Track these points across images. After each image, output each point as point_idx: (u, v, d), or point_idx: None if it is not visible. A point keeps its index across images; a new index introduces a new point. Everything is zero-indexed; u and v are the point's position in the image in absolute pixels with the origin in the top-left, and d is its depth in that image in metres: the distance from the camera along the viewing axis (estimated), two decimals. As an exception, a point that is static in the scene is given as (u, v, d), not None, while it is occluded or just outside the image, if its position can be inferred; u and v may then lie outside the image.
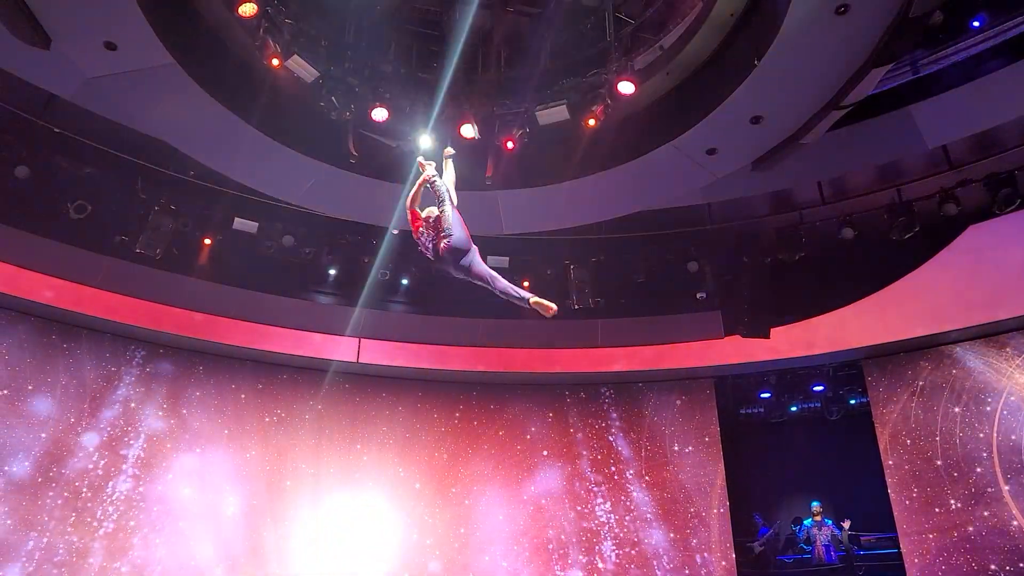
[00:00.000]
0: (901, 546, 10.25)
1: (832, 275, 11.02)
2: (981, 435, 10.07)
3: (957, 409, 10.34)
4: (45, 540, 9.60)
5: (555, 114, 8.74)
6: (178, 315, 10.84)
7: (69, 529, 9.80)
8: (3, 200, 9.65)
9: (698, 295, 11.70)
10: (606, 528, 11.54)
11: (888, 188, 10.39)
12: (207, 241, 11.02)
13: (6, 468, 9.64)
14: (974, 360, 10.38)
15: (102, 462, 10.28)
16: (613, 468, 11.90)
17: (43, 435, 9.99)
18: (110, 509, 10.14)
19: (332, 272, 11.78)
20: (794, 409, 12.32)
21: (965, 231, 10.06)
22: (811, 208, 10.94)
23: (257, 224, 10.96)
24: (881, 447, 10.74)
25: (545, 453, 12.08)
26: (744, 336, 11.32)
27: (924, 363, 10.74)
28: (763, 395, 12.36)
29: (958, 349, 10.53)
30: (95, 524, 9.98)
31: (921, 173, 10.14)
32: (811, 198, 10.92)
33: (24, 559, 9.43)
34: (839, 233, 10.55)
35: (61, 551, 9.66)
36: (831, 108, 8.11)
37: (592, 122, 8.57)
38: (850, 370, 11.59)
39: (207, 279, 11.02)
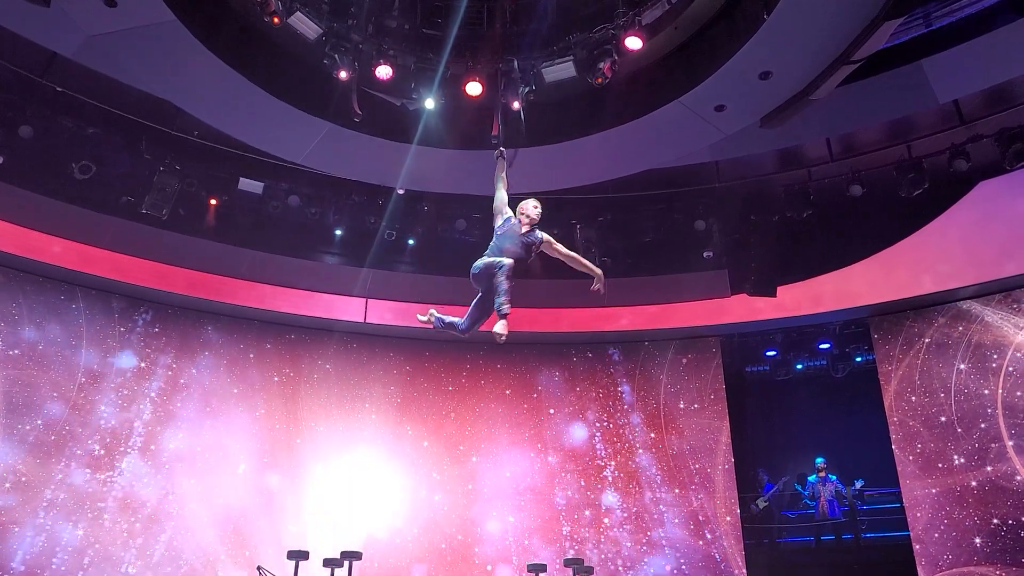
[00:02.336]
0: (904, 501, 10.36)
1: (840, 233, 10.98)
2: (986, 391, 10.10)
3: (963, 366, 10.37)
4: (61, 496, 9.78)
5: (561, 71, 8.63)
6: (186, 275, 10.91)
7: (83, 485, 9.98)
8: (8, 160, 9.64)
9: (705, 254, 11.68)
10: (612, 484, 11.67)
11: (898, 144, 10.28)
12: (213, 201, 11.02)
13: (19, 427, 9.78)
14: (982, 316, 10.38)
15: (113, 421, 10.42)
16: (619, 426, 12.00)
17: (55, 394, 10.12)
18: (123, 466, 10.31)
19: (338, 232, 11.77)
20: (800, 367, 12.36)
21: (975, 187, 10.00)
22: (820, 165, 10.84)
23: (263, 184, 10.94)
24: (886, 404, 10.79)
25: (551, 411, 12.18)
26: (751, 294, 11.32)
27: (931, 320, 10.75)
28: (769, 353, 12.39)
29: (966, 306, 10.52)
30: (108, 481, 10.16)
31: (932, 129, 10.02)
32: (820, 155, 10.81)
33: (40, 514, 9.62)
34: (847, 190, 10.46)
35: (76, 507, 9.84)
36: (841, 63, 7.98)
37: (599, 80, 8.46)
38: (856, 328, 11.60)
39: (214, 239, 11.05)
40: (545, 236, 6.28)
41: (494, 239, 6.13)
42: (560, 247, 6.35)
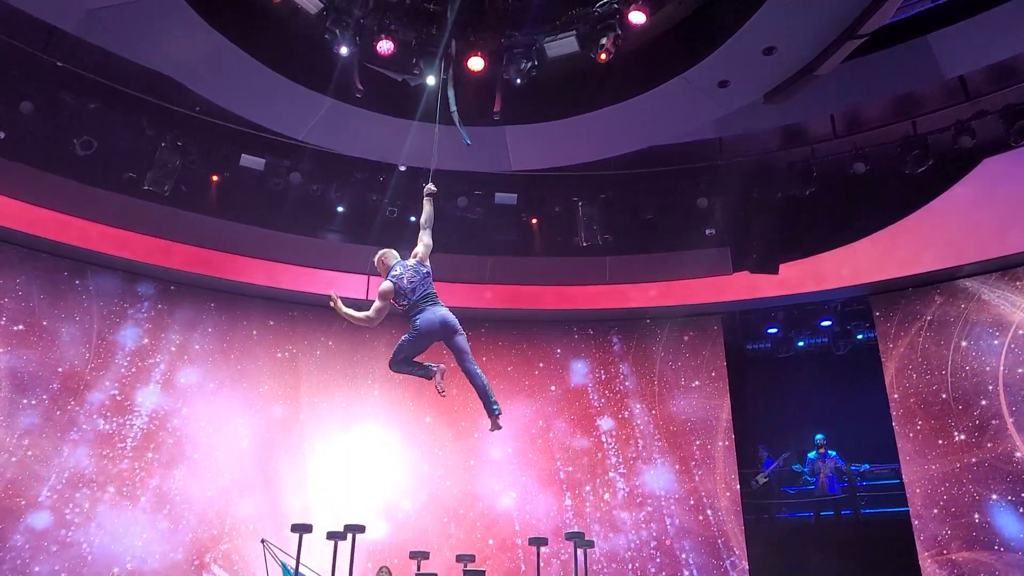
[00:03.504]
0: (903, 477, 10.42)
1: (843, 210, 10.96)
2: (988, 368, 10.13)
3: (965, 343, 10.39)
4: (66, 474, 9.86)
5: (564, 45, 8.56)
6: (188, 251, 10.92)
7: (88, 461, 10.05)
8: (10, 136, 9.63)
9: (707, 231, 11.65)
10: (613, 461, 11.74)
11: (902, 121, 10.23)
12: (215, 178, 11.00)
13: (24, 402, 9.84)
14: (985, 294, 10.38)
15: (117, 396, 10.48)
16: (620, 402, 12.05)
17: (59, 370, 10.17)
18: (127, 441, 10.37)
19: (340, 209, 11.74)
20: (801, 344, 12.39)
21: (979, 164, 9.96)
22: (823, 142, 10.80)
23: (264, 161, 10.90)
24: (887, 381, 10.83)
25: (553, 388, 12.23)
26: (753, 272, 11.32)
27: (934, 297, 10.76)
28: (770, 331, 12.41)
29: (969, 283, 10.52)
30: (113, 456, 10.23)
31: (937, 105, 9.97)
32: (823, 132, 10.78)
33: (47, 490, 9.69)
34: (851, 167, 10.43)
35: (81, 482, 9.92)
36: (847, 38, 7.92)
37: (602, 55, 8.41)
38: (858, 305, 11.62)
39: (216, 216, 11.04)
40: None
41: (429, 287, 5.99)
42: None
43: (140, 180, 10.36)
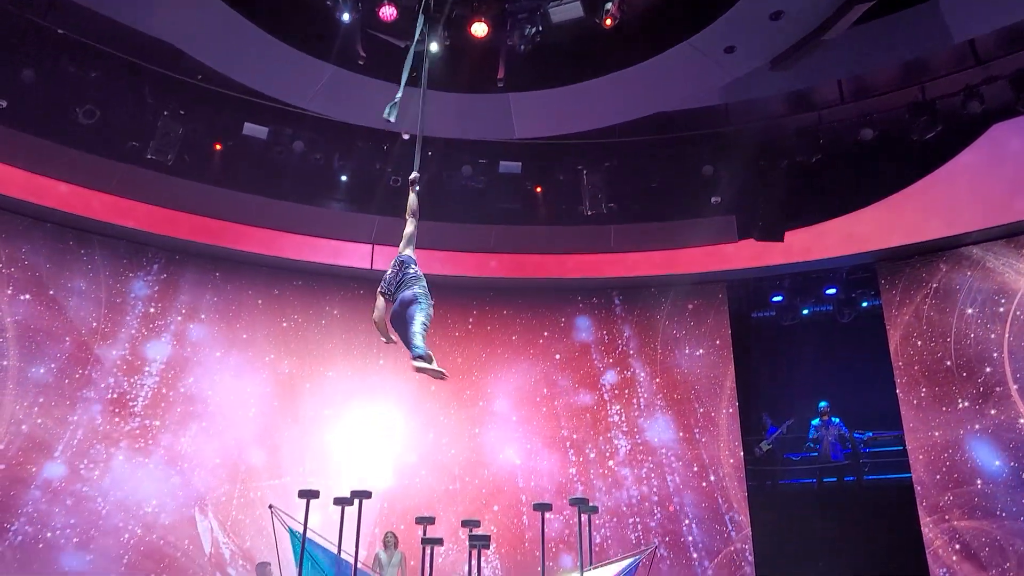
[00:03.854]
0: (907, 443, 10.46)
1: (850, 177, 10.87)
2: (993, 335, 10.12)
3: (971, 310, 10.37)
4: (76, 440, 9.98)
5: (569, 11, 8.48)
6: (192, 221, 10.93)
7: (97, 429, 10.16)
8: (13, 105, 9.60)
9: (713, 199, 11.57)
10: (617, 428, 11.81)
11: (911, 86, 10.12)
12: (217, 147, 10.96)
13: (32, 371, 9.93)
14: (991, 261, 10.34)
15: (124, 365, 10.56)
16: (624, 370, 12.08)
17: (67, 339, 10.24)
18: (135, 410, 10.48)
19: (344, 178, 11.70)
20: (806, 312, 12.36)
21: (988, 129, 9.86)
22: (830, 108, 10.70)
23: (267, 129, 10.84)
24: (891, 348, 10.83)
25: (557, 357, 12.26)
26: (758, 240, 11.28)
27: (940, 265, 10.71)
28: (775, 299, 12.38)
29: (975, 250, 10.47)
30: (120, 424, 10.34)
31: (946, 70, 9.85)
32: (831, 98, 10.67)
33: (57, 457, 9.83)
34: (858, 134, 10.34)
35: (90, 449, 10.05)
36: (855, 1, 7.82)
37: (607, 21, 8.32)
38: (864, 273, 11.58)
39: (219, 185, 11.01)
40: None
41: (416, 269, 5.89)
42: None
43: (143, 149, 10.33)
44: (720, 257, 11.69)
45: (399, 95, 6.74)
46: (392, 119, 6.82)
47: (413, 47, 6.93)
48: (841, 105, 10.64)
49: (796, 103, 10.82)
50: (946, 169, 10.19)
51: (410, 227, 6.12)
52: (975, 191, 10.05)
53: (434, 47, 8.61)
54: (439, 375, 5.57)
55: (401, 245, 6.09)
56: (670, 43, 8.70)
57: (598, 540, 10.76)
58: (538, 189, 12.00)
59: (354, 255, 11.80)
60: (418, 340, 5.55)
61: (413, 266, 5.88)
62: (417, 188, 6.31)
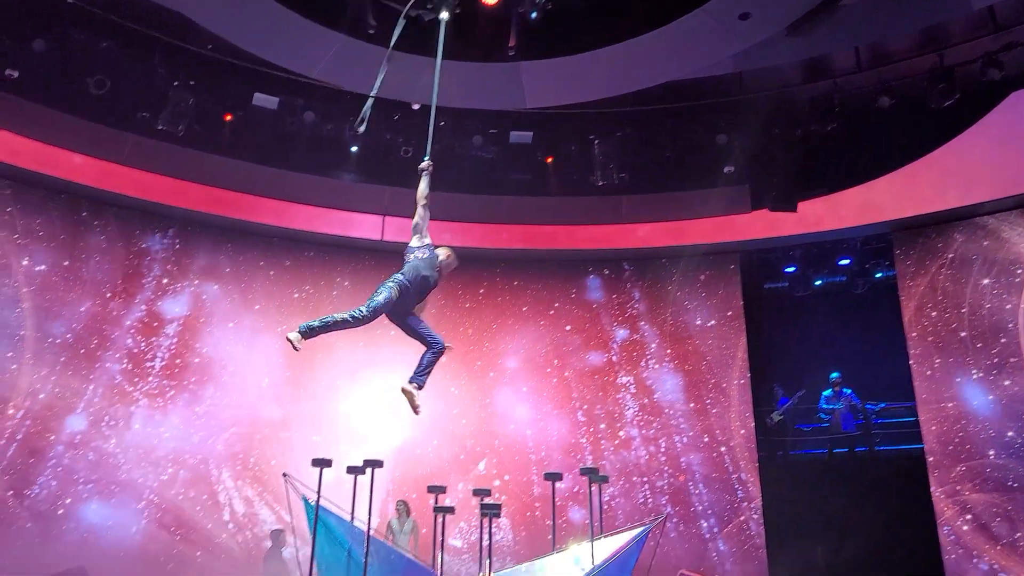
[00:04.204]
0: (919, 414, 10.44)
1: (865, 146, 10.76)
2: (1008, 306, 10.04)
3: (986, 280, 10.28)
4: (92, 408, 10.10)
5: (580, -23, 8.36)
6: (204, 192, 10.96)
7: (114, 396, 10.29)
8: (24, 75, 9.61)
9: (726, 169, 11.47)
10: (628, 399, 11.84)
11: (929, 53, 9.95)
12: (228, 117, 10.94)
13: (50, 340, 10.04)
14: (1007, 231, 10.23)
15: (139, 336, 10.66)
16: (635, 341, 12.08)
17: (81, 309, 10.34)
18: (150, 378, 10.61)
19: (354, 149, 11.67)
20: (819, 283, 12.29)
21: (1007, 97, 9.71)
22: (847, 76, 10.54)
23: (277, 100, 10.80)
24: (905, 319, 10.77)
25: (568, 327, 12.26)
26: (771, 210, 11.19)
27: (955, 235, 10.61)
28: (788, 269, 12.32)
29: (991, 220, 10.36)
30: (136, 393, 10.46)
31: (964, 36, 9.67)
32: (847, 65, 10.51)
33: (74, 423, 9.97)
34: (875, 102, 10.20)
35: (107, 417, 10.19)
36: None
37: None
38: (878, 243, 11.49)
39: (230, 156, 11.02)
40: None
41: (413, 259, 5.79)
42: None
43: (154, 120, 10.32)
44: (732, 228, 11.62)
45: (368, 106, 6.61)
46: (361, 130, 6.72)
47: (404, 12, 6.81)
48: (858, 73, 10.48)
49: (812, 71, 10.67)
50: (964, 138, 10.06)
51: (421, 213, 5.99)
52: (992, 160, 9.92)
53: (444, 15, 8.50)
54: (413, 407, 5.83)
55: (412, 232, 5.96)
56: (684, 10, 8.56)
57: (608, 510, 10.82)
58: (549, 159, 11.93)
59: (365, 226, 11.80)
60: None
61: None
62: (430, 172, 6.14)
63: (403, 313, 5.77)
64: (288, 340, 5.39)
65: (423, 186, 6.04)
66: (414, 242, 5.89)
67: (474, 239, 11.90)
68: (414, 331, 5.88)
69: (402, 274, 5.69)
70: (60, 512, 9.62)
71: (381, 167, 11.55)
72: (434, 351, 5.86)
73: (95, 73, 9.82)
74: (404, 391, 5.76)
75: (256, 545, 10.43)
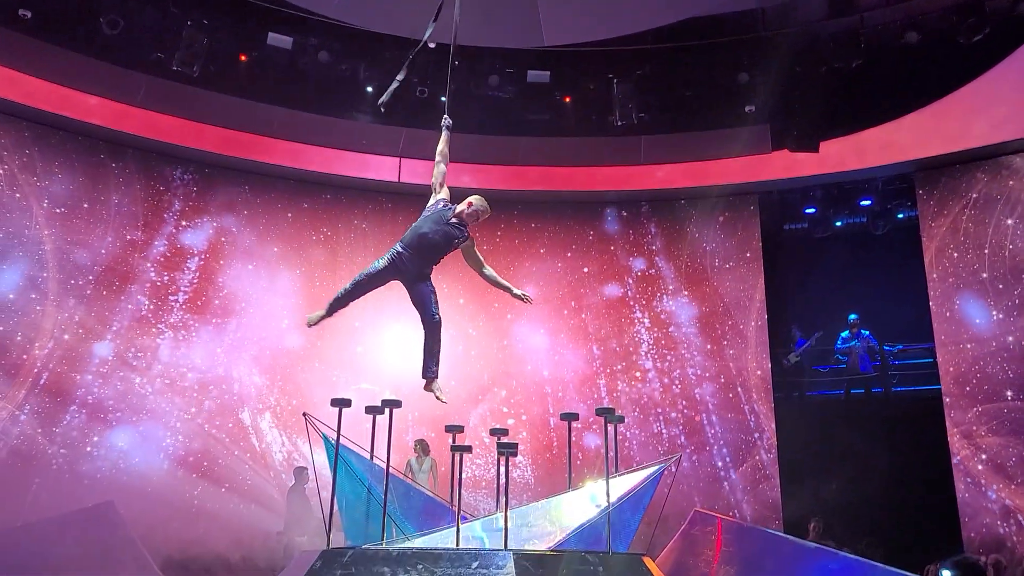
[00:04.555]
0: (937, 356, 10.41)
1: (890, 84, 10.51)
2: (1032, 247, 9.92)
3: (1010, 221, 10.12)
4: (114, 348, 10.29)
5: (599, -92, 8.12)
6: (220, 133, 10.93)
7: (136, 339, 10.46)
8: (35, 16, 9.53)
9: (747, 108, 11.26)
10: (645, 340, 11.87)
11: (959, -14, 9.66)
12: (243, 57, 10.83)
13: (72, 283, 10.16)
14: (1035, 170, 10.04)
15: (158, 278, 10.78)
16: (652, 283, 12.06)
17: (102, 251, 10.44)
18: (171, 320, 10.76)
19: (369, 89, 11.54)
20: (839, 224, 12.15)
21: (1038, 32, 9.43)
22: (872, 10, 10.26)
23: (291, 39, 10.67)
24: (926, 261, 10.66)
25: (585, 270, 12.25)
26: (792, 150, 11.03)
27: (980, 174, 10.41)
28: (808, 210, 12.17)
29: (1018, 159, 10.14)
30: (157, 333, 10.63)
31: (996, -32, 9.37)
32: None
33: (96, 363, 10.17)
34: (902, 37, 9.93)
35: (129, 356, 10.39)
36: None
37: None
38: (901, 183, 11.30)
39: (246, 97, 10.95)
40: (470, 236, 5.72)
41: (418, 219, 5.65)
42: (478, 254, 5.83)
43: (168, 60, 10.24)
44: (753, 168, 11.46)
45: (393, 87, 6.45)
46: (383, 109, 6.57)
47: None
48: (885, 6, 10.19)
49: (836, 6, 10.41)
50: (992, 74, 9.80)
51: (435, 173, 5.82)
52: (1020, 97, 9.66)
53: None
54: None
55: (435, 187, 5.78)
56: (705, -58, 8.34)
57: (623, 451, 10.94)
58: (567, 99, 11.75)
59: (382, 168, 11.76)
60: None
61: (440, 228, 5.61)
62: (449, 129, 5.99)
63: (413, 279, 5.70)
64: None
65: (442, 144, 5.91)
66: (430, 200, 5.78)
67: (491, 181, 11.82)
68: (417, 302, 5.80)
69: (400, 242, 5.65)
70: (88, 449, 9.87)
71: (397, 108, 11.41)
72: (427, 330, 5.82)
73: (108, 13, 9.73)
74: (426, 390, 5.98)
75: (279, 481, 10.68)
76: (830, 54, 10.41)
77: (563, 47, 10.68)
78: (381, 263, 5.64)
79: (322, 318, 5.73)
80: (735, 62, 10.90)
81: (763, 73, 10.91)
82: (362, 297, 5.87)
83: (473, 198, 5.75)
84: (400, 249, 5.64)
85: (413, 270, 5.70)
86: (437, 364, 5.95)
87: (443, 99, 6.51)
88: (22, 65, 9.73)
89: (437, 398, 5.94)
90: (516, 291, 5.83)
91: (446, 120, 6.03)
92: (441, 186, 5.82)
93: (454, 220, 5.67)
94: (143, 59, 10.33)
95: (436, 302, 5.82)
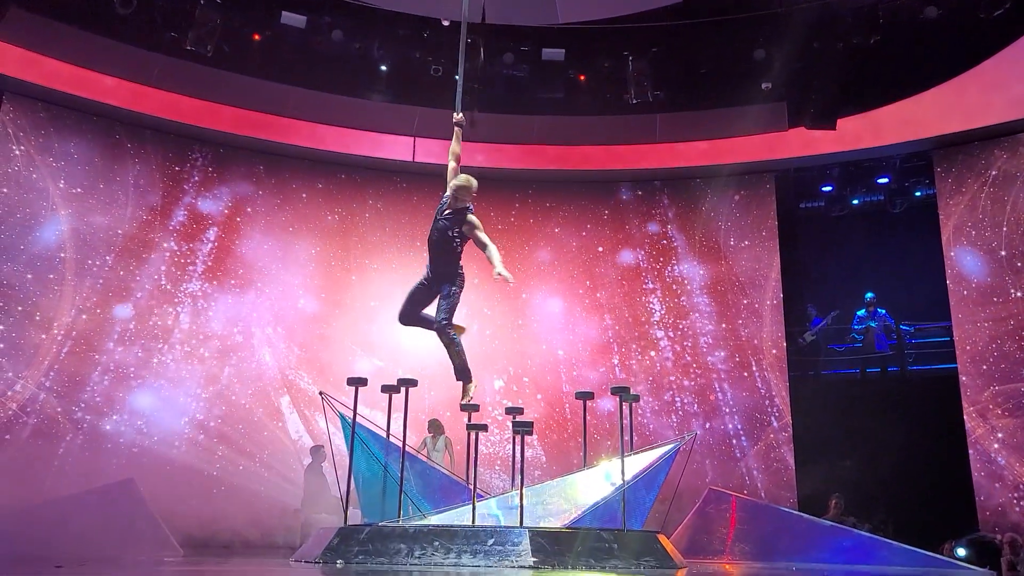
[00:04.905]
0: (954, 334, 10.35)
1: (909, 60, 10.36)
2: (1051, 225, 9.82)
3: (1030, 199, 10.03)
4: (132, 327, 10.39)
5: None
6: (234, 113, 10.98)
7: (153, 319, 10.57)
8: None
9: (763, 85, 11.15)
10: (660, 318, 11.86)
11: (980, -41, 9.48)
12: (256, 37, 10.82)
13: (89, 263, 10.25)
14: (1055, 146, 9.91)
15: (176, 257, 10.85)
16: (668, 262, 12.02)
17: (120, 231, 10.52)
18: (187, 299, 10.84)
19: (383, 68, 11.51)
20: (856, 202, 12.05)
21: (1062, 6, 9.26)
22: (893, -16, 10.10)
23: (305, 18, 10.63)
24: (944, 239, 10.57)
25: (600, 249, 12.23)
26: (809, 127, 10.93)
27: (1000, 151, 10.30)
28: (825, 189, 12.08)
29: (1039, 135, 10.03)
30: (174, 310, 10.73)
31: (1020, -60, 9.19)
32: (893, -27, 10.06)
33: (116, 335, 10.28)
34: (921, 12, 9.77)
35: (147, 330, 10.51)
36: None
37: None
38: (919, 161, 11.18)
39: (259, 77, 10.96)
40: (471, 219, 5.69)
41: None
42: (480, 235, 5.72)
43: (182, 40, 10.24)
44: (769, 146, 11.38)
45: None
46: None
47: None
48: (905, -19, 10.03)
49: (854, -20, 10.23)
50: (1011, 50, 9.65)
51: (451, 173, 5.79)
52: (1043, 73, 9.53)
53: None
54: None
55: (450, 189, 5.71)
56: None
57: (638, 429, 10.97)
58: (582, 77, 11.67)
59: (396, 148, 11.76)
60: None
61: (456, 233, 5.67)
62: (461, 127, 6.00)
63: (438, 282, 5.92)
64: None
65: (454, 143, 5.93)
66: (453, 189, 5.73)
67: (505, 160, 11.81)
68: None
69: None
70: (107, 428, 9.99)
71: (411, 87, 11.40)
72: (436, 332, 5.93)
73: (121, -8, 9.73)
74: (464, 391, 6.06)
75: (296, 459, 10.79)
76: (848, 30, 10.26)
77: (578, 24, 10.58)
78: (414, 289, 6.01)
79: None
80: (751, 38, 10.77)
81: (780, 49, 10.77)
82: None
83: (454, 180, 5.68)
84: (427, 270, 5.88)
85: (433, 275, 5.90)
86: (461, 372, 6.01)
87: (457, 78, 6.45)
88: (38, 46, 9.76)
89: (465, 394, 6.02)
90: (496, 271, 5.63)
91: (457, 118, 5.98)
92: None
93: (447, 213, 5.67)
94: (157, 39, 10.34)
95: (446, 308, 5.89)
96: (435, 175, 12.02)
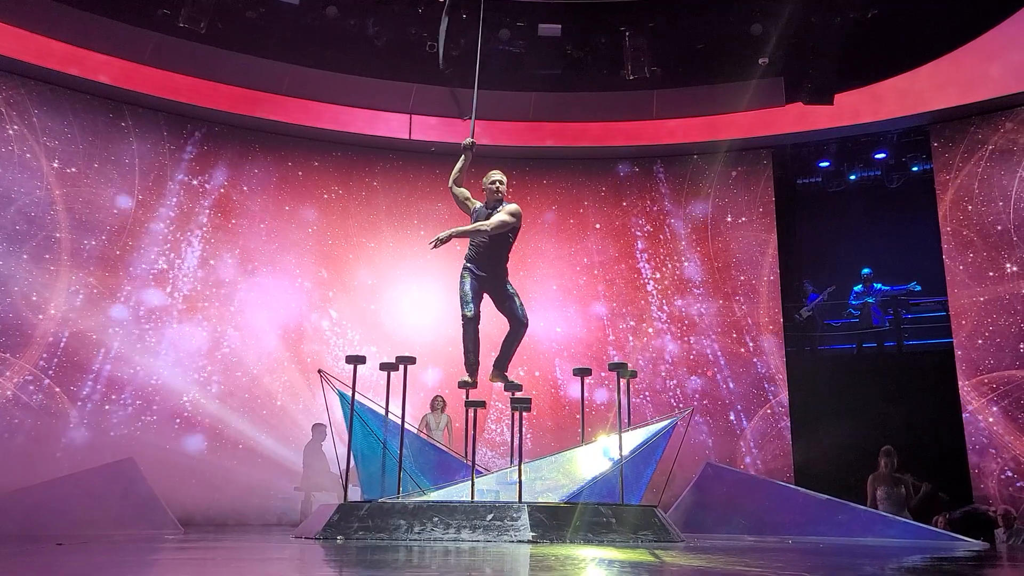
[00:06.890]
0: (950, 309, 10.38)
1: (906, 34, 10.30)
2: (1049, 199, 9.82)
3: (1027, 172, 10.02)
4: (128, 307, 10.38)
5: None
6: (229, 91, 10.91)
7: (149, 298, 10.55)
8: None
9: (760, 60, 11.08)
10: (656, 295, 11.88)
11: (980, -69, 9.42)
12: (249, 14, 10.70)
13: (85, 243, 10.22)
14: (1052, 121, 9.89)
15: (171, 236, 10.83)
16: (665, 239, 12.03)
17: (114, 211, 10.48)
18: (183, 280, 10.82)
19: (378, 45, 11.40)
20: (853, 178, 12.05)
21: (1061, -22, 9.20)
22: (890, -42, 10.03)
23: (298, -7, 10.54)
24: (941, 214, 10.58)
25: (598, 226, 12.22)
26: (807, 103, 10.88)
27: (997, 125, 10.29)
28: (822, 164, 12.07)
29: (1036, 109, 10.01)
30: (170, 292, 10.72)
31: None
32: (891, -55, 9.99)
33: (111, 320, 10.26)
34: (919, -14, 9.72)
35: (142, 314, 10.49)
36: None
37: None
38: (916, 136, 11.17)
39: (253, 54, 10.86)
40: (507, 207, 6.09)
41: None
42: (500, 215, 6.10)
43: (175, 17, 10.14)
44: (766, 122, 11.35)
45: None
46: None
47: None
48: (903, -47, 9.96)
49: (852, -47, 10.15)
50: (1009, 24, 9.61)
51: (459, 192, 6.24)
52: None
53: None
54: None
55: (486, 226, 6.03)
56: None
57: (635, 404, 11.02)
58: (579, 53, 11.58)
59: (392, 125, 11.70)
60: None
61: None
62: (470, 150, 6.23)
63: (495, 282, 6.36)
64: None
65: (458, 171, 6.28)
66: (471, 217, 6.13)
67: (501, 137, 11.76)
68: (501, 305, 6.44)
69: (468, 260, 6.25)
70: (106, 407, 10.01)
71: (406, 64, 11.31)
72: (512, 330, 6.46)
73: (112, -31, 9.63)
74: (491, 380, 6.53)
75: (295, 437, 10.82)
76: (845, 4, 10.19)
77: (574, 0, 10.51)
78: (466, 281, 6.40)
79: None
80: (748, 13, 10.68)
81: (777, 24, 10.68)
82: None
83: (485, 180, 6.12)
84: (473, 267, 6.34)
85: (487, 272, 6.38)
86: (503, 362, 6.66)
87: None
88: (30, 24, 9.67)
89: (506, 387, 6.39)
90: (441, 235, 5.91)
91: (466, 142, 6.23)
92: (467, 199, 6.29)
93: (490, 211, 6.04)
94: (149, 15, 10.23)
95: (521, 304, 6.53)
96: (432, 153, 12.04)
